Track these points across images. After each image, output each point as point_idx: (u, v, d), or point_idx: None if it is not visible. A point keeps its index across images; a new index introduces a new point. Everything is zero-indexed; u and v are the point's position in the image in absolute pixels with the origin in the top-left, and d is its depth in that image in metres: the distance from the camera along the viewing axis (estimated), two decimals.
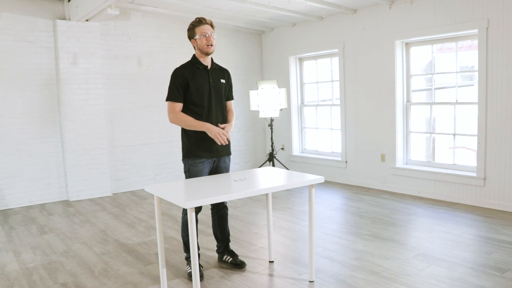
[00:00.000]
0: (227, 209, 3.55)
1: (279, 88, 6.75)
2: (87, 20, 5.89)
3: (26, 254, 3.94)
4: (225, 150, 3.39)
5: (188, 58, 3.42)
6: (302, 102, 7.36)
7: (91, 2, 5.18)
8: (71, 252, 3.98)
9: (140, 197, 6.12)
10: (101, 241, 4.26)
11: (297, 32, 7.08)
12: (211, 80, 3.31)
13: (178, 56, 6.74)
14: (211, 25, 3.26)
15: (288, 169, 7.03)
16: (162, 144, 6.84)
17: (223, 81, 3.40)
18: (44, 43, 5.80)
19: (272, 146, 7.03)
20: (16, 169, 5.71)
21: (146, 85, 6.64)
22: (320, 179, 3.09)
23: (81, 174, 6.02)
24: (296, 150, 7.44)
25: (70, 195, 5.99)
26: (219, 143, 3.20)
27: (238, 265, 3.47)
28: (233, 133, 7.56)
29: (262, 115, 6.79)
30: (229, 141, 3.40)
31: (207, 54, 3.25)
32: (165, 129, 6.79)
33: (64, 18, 5.86)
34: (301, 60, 7.29)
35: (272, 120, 6.96)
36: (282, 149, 7.62)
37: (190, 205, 2.52)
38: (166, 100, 3.26)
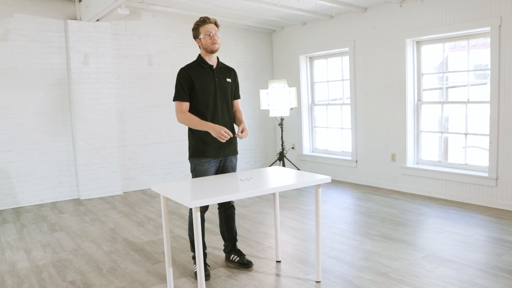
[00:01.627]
0: (234, 208, 3.55)
1: (289, 87, 6.74)
2: (97, 20, 5.94)
3: (36, 252, 4.00)
4: (232, 149, 3.39)
5: None
6: (313, 101, 7.33)
7: (102, 2, 5.22)
8: (80, 250, 4.02)
9: (150, 196, 6.16)
10: (110, 240, 4.29)
11: (308, 31, 7.05)
12: (216, 79, 3.30)
13: (188, 55, 6.76)
14: (216, 24, 3.26)
15: (298, 168, 7.02)
16: (173, 143, 6.87)
17: (229, 80, 3.39)
18: (55, 43, 5.87)
19: (282, 145, 7.02)
20: (28, 168, 5.79)
21: (156, 84, 6.67)
22: (327, 179, 3.08)
23: (92, 173, 6.08)
24: (306, 149, 7.41)
25: (81, 194, 6.05)
26: (223, 141, 3.19)
27: (245, 264, 3.48)
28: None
29: (272, 114, 6.78)
30: (235, 141, 3.42)
31: (212, 52, 3.25)
32: (175, 128, 6.82)
33: (75, 18, 5.92)
34: (311, 59, 7.26)
35: (282, 119, 6.94)
36: (293, 148, 7.60)
37: (194, 205, 2.52)
38: (173, 100, 3.29)
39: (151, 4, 6.12)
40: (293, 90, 6.68)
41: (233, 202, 3.55)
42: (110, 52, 6.15)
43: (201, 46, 3.28)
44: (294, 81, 7.32)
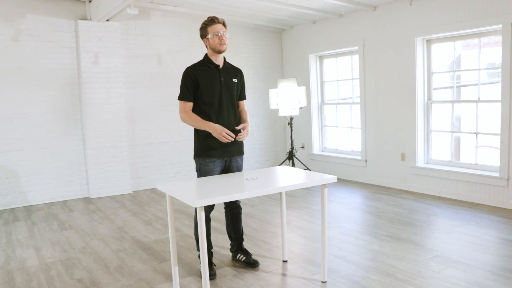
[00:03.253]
0: (240, 208, 3.54)
1: (299, 86, 6.72)
2: (107, 20, 5.98)
3: (45, 250, 4.04)
4: (237, 149, 3.38)
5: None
6: (322, 100, 7.30)
7: (111, 2, 5.25)
8: (89, 248, 4.05)
9: (159, 194, 6.19)
10: (118, 238, 4.32)
11: (317, 30, 7.02)
12: (222, 79, 3.31)
13: (198, 54, 6.77)
14: (224, 24, 3.25)
15: (308, 168, 7.00)
16: (182, 142, 6.89)
17: (235, 80, 3.38)
18: (66, 43, 5.92)
19: (291, 144, 7.00)
20: (39, 167, 5.85)
21: (166, 84, 6.70)
22: (333, 178, 3.06)
23: (102, 172, 6.12)
24: (316, 149, 7.38)
25: (91, 192, 6.10)
26: (225, 142, 3.20)
27: (251, 264, 3.47)
28: (252, 131, 7.56)
29: (281, 113, 6.77)
30: (241, 141, 3.41)
31: (220, 52, 3.25)
32: (185, 127, 6.82)
33: (85, 19, 5.97)
34: (321, 58, 7.23)
35: (291, 118, 6.93)
36: (302, 147, 7.57)
37: (199, 204, 2.52)
38: (178, 99, 3.30)
39: (160, 3, 6.15)
40: (303, 89, 6.66)
41: (240, 202, 3.55)
42: (120, 51, 6.19)
43: (208, 46, 3.27)
44: (304, 80, 7.30)
